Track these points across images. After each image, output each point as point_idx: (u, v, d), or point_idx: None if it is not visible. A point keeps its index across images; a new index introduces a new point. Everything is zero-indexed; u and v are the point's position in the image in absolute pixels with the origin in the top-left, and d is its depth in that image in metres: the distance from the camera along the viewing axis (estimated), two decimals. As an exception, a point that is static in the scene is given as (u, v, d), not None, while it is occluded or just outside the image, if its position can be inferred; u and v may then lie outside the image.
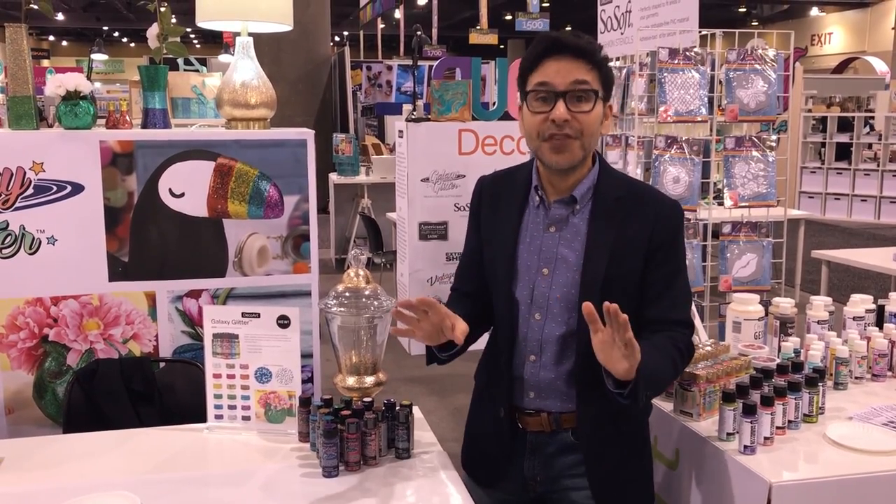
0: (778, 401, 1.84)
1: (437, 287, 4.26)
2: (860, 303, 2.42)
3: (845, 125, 11.68)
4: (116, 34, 30.01)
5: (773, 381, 1.92)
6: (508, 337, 1.78)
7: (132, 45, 30.83)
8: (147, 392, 2.26)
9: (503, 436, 1.82)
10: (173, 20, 2.57)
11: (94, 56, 13.01)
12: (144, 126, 2.45)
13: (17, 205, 2.23)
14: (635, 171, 4.40)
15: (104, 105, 2.52)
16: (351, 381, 1.89)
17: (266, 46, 10.09)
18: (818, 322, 2.34)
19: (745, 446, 1.78)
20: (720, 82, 4.33)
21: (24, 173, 2.22)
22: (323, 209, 7.70)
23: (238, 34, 2.42)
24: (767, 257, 4.35)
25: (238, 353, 1.99)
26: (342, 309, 1.84)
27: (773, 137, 4.41)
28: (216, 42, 22.82)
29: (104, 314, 2.32)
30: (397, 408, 1.85)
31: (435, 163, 4.16)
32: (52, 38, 31.52)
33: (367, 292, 1.86)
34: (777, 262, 4.51)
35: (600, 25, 5.69)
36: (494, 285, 1.82)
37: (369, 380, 1.90)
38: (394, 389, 3.58)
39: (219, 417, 2.02)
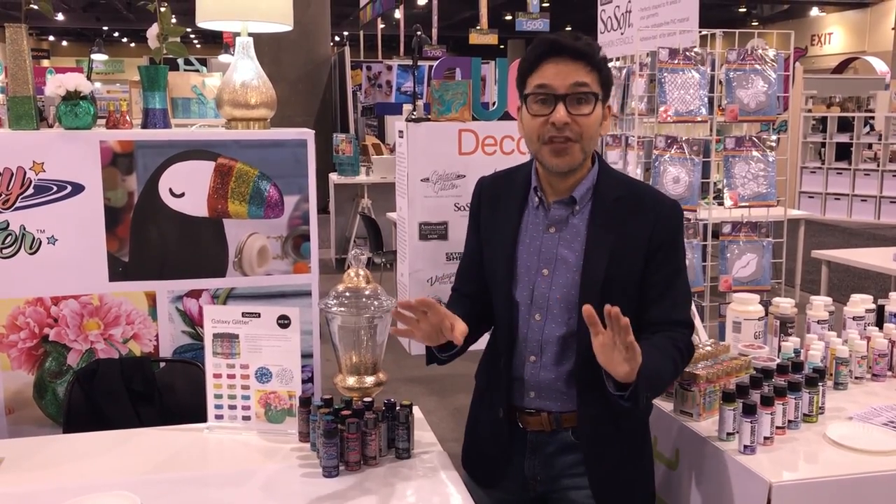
0: (778, 401, 1.84)
1: (437, 287, 4.26)
2: (860, 303, 2.42)
3: (845, 125, 11.67)
4: (116, 34, 30.00)
5: (773, 381, 1.92)
6: (508, 337, 1.78)
7: (132, 45, 30.82)
8: (147, 392, 2.26)
9: (503, 436, 1.82)
10: (173, 20, 2.58)
11: (94, 56, 13.02)
12: (144, 126, 2.45)
13: (17, 205, 2.23)
14: (635, 172, 4.40)
15: (104, 105, 2.52)
16: (351, 381, 1.89)
17: (266, 46, 10.08)
18: (818, 322, 2.34)
19: (745, 446, 1.78)
20: (720, 82, 4.33)
21: (25, 173, 2.22)
22: (323, 209, 7.70)
23: (238, 34, 2.42)
24: (767, 257, 4.35)
25: (238, 353, 1.99)
26: (342, 309, 1.84)
27: (773, 137, 4.41)
28: (216, 42, 22.80)
29: (104, 314, 2.32)
30: (397, 408, 1.85)
31: (435, 163, 4.16)
32: (52, 38, 31.52)
33: (367, 292, 1.86)
34: (777, 262, 4.51)
35: (600, 25, 5.68)
36: (494, 286, 1.82)
37: (369, 380, 1.90)
38: (394, 389, 3.57)
39: (219, 417, 2.02)
